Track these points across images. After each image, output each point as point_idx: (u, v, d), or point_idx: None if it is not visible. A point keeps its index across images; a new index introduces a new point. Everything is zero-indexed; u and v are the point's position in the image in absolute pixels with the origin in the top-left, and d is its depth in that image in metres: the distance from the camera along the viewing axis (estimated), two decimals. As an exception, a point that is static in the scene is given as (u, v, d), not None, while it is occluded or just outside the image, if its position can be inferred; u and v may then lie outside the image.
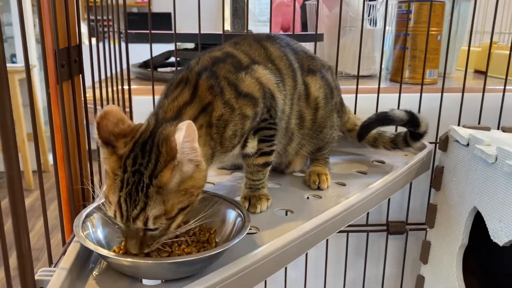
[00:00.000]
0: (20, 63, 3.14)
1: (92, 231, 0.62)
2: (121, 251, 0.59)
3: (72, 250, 0.57)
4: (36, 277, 0.53)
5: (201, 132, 0.63)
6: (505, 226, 0.78)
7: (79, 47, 0.74)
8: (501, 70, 1.32)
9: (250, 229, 0.65)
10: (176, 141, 0.53)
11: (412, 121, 0.94)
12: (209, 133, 0.65)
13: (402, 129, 1.02)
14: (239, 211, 0.65)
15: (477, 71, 1.63)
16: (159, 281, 0.56)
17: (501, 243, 0.80)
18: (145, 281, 0.56)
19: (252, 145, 0.73)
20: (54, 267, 0.60)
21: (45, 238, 0.61)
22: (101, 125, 0.56)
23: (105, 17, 0.92)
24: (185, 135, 0.53)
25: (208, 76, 0.67)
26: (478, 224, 0.89)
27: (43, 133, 3.27)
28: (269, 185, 0.82)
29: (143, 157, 0.56)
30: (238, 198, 0.77)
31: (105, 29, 0.95)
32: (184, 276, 0.56)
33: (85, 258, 0.60)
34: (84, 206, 0.76)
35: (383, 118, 0.96)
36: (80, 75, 0.75)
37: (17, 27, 3.20)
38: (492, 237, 0.82)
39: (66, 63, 0.68)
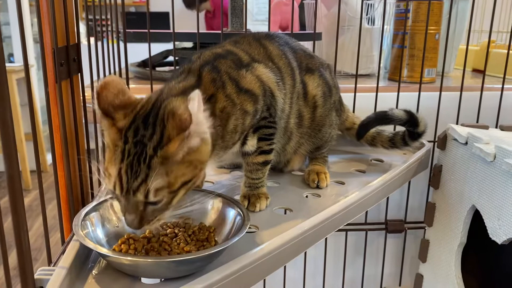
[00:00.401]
0: (18, 63, 3.13)
1: (92, 230, 0.62)
2: (122, 250, 0.59)
3: (72, 249, 0.57)
4: (36, 276, 0.53)
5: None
6: (503, 224, 0.79)
7: (77, 45, 0.74)
8: (499, 69, 1.32)
9: (249, 227, 0.65)
10: (191, 111, 0.52)
11: (411, 121, 0.94)
12: (212, 123, 0.64)
13: (400, 129, 1.02)
14: (239, 210, 0.65)
15: (475, 70, 1.63)
16: (158, 280, 0.56)
17: (499, 241, 0.80)
18: (144, 280, 0.56)
19: (251, 143, 0.73)
20: (54, 266, 0.60)
21: (43, 238, 0.61)
22: (101, 96, 0.55)
23: (103, 17, 0.92)
24: (198, 104, 0.52)
25: (210, 69, 0.68)
26: (477, 223, 0.89)
27: (41, 132, 3.26)
28: (268, 184, 0.82)
29: (146, 129, 0.55)
30: (237, 197, 0.77)
31: (103, 29, 0.95)
32: (184, 275, 0.56)
33: (85, 257, 0.60)
34: (83, 205, 0.76)
35: (382, 118, 0.96)
36: (79, 74, 0.75)
37: (14, 27, 3.19)
38: (490, 235, 0.82)
39: (64, 61, 0.68)
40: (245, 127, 0.70)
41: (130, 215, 0.55)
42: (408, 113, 0.94)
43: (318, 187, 0.84)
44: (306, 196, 0.82)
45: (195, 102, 0.52)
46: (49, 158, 3.33)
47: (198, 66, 0.68)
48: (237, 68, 0.70)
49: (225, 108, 0.66)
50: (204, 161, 0.58)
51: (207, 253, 0.54)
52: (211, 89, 0.66)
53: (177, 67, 0.76)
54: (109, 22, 0.98)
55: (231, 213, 0.66)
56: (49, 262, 0.62)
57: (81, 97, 0.76)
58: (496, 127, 1.07)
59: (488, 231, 0.83)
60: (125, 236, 0.62)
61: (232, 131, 0.68)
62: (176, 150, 0.53)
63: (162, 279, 0.56)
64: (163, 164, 0.53)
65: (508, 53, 1.12)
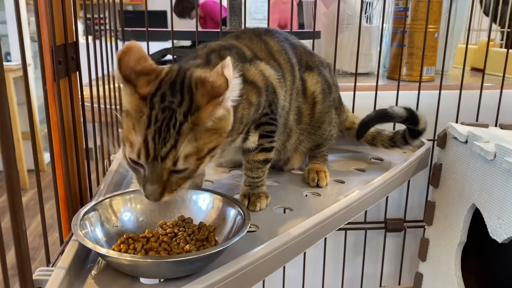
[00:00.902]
0: (15, 62, 3.12)
1: (91, 230, 0.61)
2: (122, 250, 0.58)
3: (70, 249, 0.56)
4: (34, 277, 0.53)
5: None
6: (504, 223, 0.78)
7: (76, 44, 0.73)
8: (498, 67, 1.32)
9: (249, 227, 0.64)
10: (228, 77, 0.51)
11: (411, 118, 0.94)
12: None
13: (400, 128, 1.01)
14: (239, 209, 0.64)
15: (474, 69, 1.63)
16: (158, 280, 0.56)
17: (500, 240, 0.80)
18: (144, 280, 0.56)
19: (253, 139, 0.73)
20: (52, 266, 0.59)
21: (40, 237, 0.61)
22: (122, 61, 0.53)
23: (101, 15, 0.91)
24: (233, 71, 0.51)
25: (217, 57, 0.67)
26: (477, 221, 0.89)
27: (39, 131, 3.25)
28: (268, 183, 0.82)
29: (173, 95, 0.53)
30: (237, 196, 0.76)
31: (101, 28, 0.94)
32: (184, 275, 0.56)
33: (84, 257, 0.59)
34: (82, 205, 0.75)
35: (382, 116, 0.95)
36: (77, 72, 0.74)
37: (11, 25, 3.18)
38: (491, 234, 0.82)
39: (63, 60, 0.67)
40: (249, 119, 0.70)
41: (153, 185, 0.53)
42: (408, 110, 0.94)
43: (318, 186, 0.84)
44: (306, 195, 0.81)
45: (230, 68, 0.51)
46: (46, 157, 3.32)
47: (205, 52, 0.68)
48: (241, 61, 0.70)
49: None
50: (227, 130, 0.57)
51: (207, 253, 0.54)
52: None
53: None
54: (106, 21, 0.97)
55: (232, 212, 0.65)
56: (48, 262, 0.61)
57: (80, 96, 0.76)
58: (496, 126, 1.07)
59: (488, 230, 0.82)
60: (125, 236, 0.62)
61: (239, 120, 0.67)
62: (207, 117, 0.52)
63: (162, 280, 0.56)
64: (192, 130, 0.52)
65: (507, 52, 1.12)
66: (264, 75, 0.72)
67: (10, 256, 0.51)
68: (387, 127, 1.02)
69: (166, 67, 0.57)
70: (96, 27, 0.89)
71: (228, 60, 0.52)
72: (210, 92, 0.52)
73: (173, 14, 1.01)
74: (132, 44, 0.54)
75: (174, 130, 0.52)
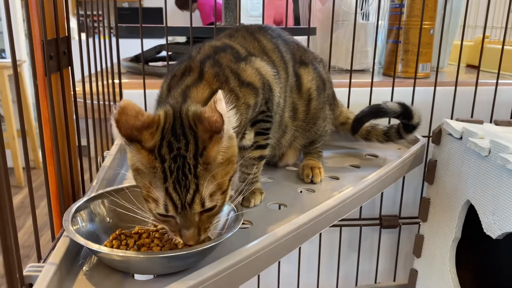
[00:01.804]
0: (9, 58, 3.10)
1: (82, 226, 0.60)
2: (114, 246, 0.58)
3: (62, 245, 0.56)
4: (25, 273, 0.52)
5: None
6: (498, 219, 0.78)
7: (68, 38, 0.72)
8: (493, 64, 1.32)
9: (243, 223, 0.64)
10: (221, 111, 0.51)
11: (405, 113, 0.94)
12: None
13: (395, 123, 1.01)
14: (232, 205, 0.64)
15: (469, 66, 1.63)
16: (151, 276, 0.56)
17: (494, 236, 0.80)
18: (137, 276, 0.55)
19: (249, 137, 0.73)
20: (43, 262, 0.59)
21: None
22: (120, 122, 0.52)
23: (95, 12, 0.91)
24: (225, 105, 0.52)
25: (212, 64, 0.67)
26: (471, 218, 0.89)
27: (33, 129, 3.24)
28: (262, 179, 0.81)
29: (179, 141, 0.53)
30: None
31: (95, 24, 0.93)
32: (176, 271, 0.55)
33: (75, 253, 0.58)
34: (74, 201, 0.75)
35: (376, 111, 0.95)
36: (69, 67, 0.74)
37: (4, 22, 3.15)
38: (485, 230, 0.82)
39: (54, 54, 0.66)
40: (247, 121, 0.70)
41: (189, 230, 0.54)
42: (402, 105, 0.93)
43: (312, 182, 0.84)
44: (300, 191, 0.81)
45: (223, 102, 0.51)
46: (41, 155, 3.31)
47: (198, 62, 0.67)
48: (237, 61, 0.70)
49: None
50: (235, 154, 0.58)
51: (199, 249, 0.53)
52: (215, 84, 0.65)
53: (176, 63, 0.74)
54: (101, 18, 0.97)
55: (225, 208, 0.65)
56: (39, 258, 0.60)
57: (72, 92, 0.75)
58: (491, 122, 1.07)
59: (483, 226, 0.82)
60: (117, 232, 0.61)
61: (238, 126, 0.67)
62: (215, 154, 0.53)
63: (155, 275, 0.55)
64: (207, 170, 0.53)
65: (502, 48, 1.12)
66: (260, 73, 0.71)
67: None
68: (381, 122, 1.02)
69: (161, 112, 0.56)
70: (90, 24, 0.88)
71: (220, 94, 0.52)
72: (209, 129, 0.53)
73: (169, 11, 1.00)
74: (125, 102, 0.54)
75: (191, 175, 0.52)
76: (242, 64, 0.70)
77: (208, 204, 0.54)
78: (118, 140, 0.54)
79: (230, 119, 0.54)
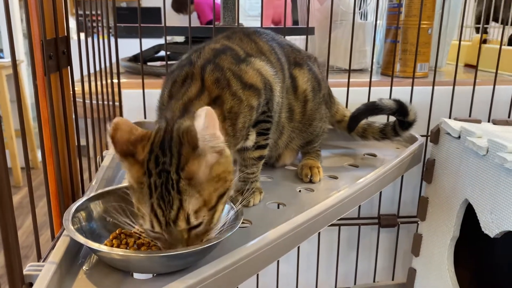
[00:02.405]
0: (7, 58, 3.10)
1: (82, 225, 0.61)
2: (114, 245, 0.58)
3: (62, 245, 0.56)
4: (25, 272, 0.52)
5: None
6: (496, 218, 0.79)
7: (67, 38, 0.73)
8: (491, 64, 1.33)
9: (242, 222, 0.64)
10: (196, 129, 0.51)
11: (400, 110, 0.94)
12: (224, 127, 0.63)
13: (391, 120, 1.01)
14: (232, 205, 0.64)
15: (467, 65, 1.63)
16: (150, 275, 0.56)
17: (492, 235, 0.80)
18: (136, 275, 0.56)
19: (252, 138, 0.73)
20: (43, 261, 0.59)
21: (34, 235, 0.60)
22: (115, 138, 0.52)
23: (93, 12, 0.91)
24: (204, 122, 0.50)
25: (213, 68, 0.66)
26: (469, 216, 0.89)
27: (32, 129, 3.23)
28: (261, 179, 0.82)
29: (165, 155, 0.53)
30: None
31: (94, 24, 0.93)
32: (176, 270, 0.55)
33: (75, 252, 0.59)
34: (74, 201, 0.75)
35: (372, 108, 0.95)
36: (69, 67, 0.74)
37: (3, 22, 3.15)
38: (483, 229, 0.82)
39: (53, 54, 0.67)
40: (251, 123, 0.70)
41: (178, 247, 0.53)
42: (397, 102, 0.93)
43: (311, 181, 0.84)
44: (299, 191, 0.81)
45: (201, 120, 0.51)
46: (39, 155, 3.30)
47: (199, 68, 0.67)
48: (237, 63, 0.69)
49: (232, 108, 0.65)
50: (230, 171, 0.57)
51: (199, 248, 0.53)
52: (216, 90, 0.64)
53: (176, 65, 0.74)
54: (99, 18, 0.97)
55: (225, 207, 0.65)
56: (39, 257, 0.60)
57: (71, 91, 0.75)
58: (489, 121, 1.07)
59: (481, 225, 0.83)
60: (117, 231, 0.61)
61: (241, 129, 0.67)
62: (197, 169, 0.52)
63: (154, 274, 0.56)
64: (191, 185, 0.52)
65: (500, 48, 1.12)
66: (261, 74, 0.71)
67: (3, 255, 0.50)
68: (377, 119, 1.02)
69: (156, 127, 0.57)
70: (89, 24, 0.88)
71: (201, 111, 0.51)
72: (190, 142, 0.52)
73: (167, 10, 1.00)
74: (118, 119, 0.54)
75: (173, 191, 0.51)
76: (243, 66, 0.70)
77: (193, 221, 0.52)
78: (115, 155, 0.54)
79: (207, 138, 0.52)
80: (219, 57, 0.69)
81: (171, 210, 0.51)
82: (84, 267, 0.57)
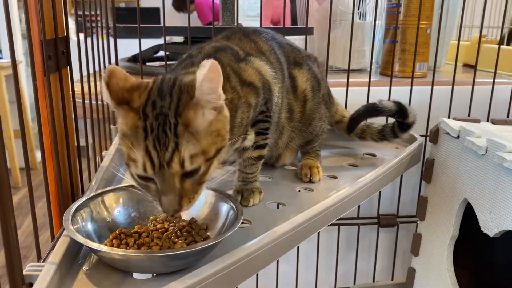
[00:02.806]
0: (6, 59, 3.09)
1: (82, 225, 0.61)
2: (114, 245, 0.58)
3: (61, 245, 0.56)
4: (25, 272, 0.52)
5: None
6: (495, 217, 0.79)
7: (66, 38, 0.73)
8: (490, 63, 1.33)
9: (242, 222, 0.64)
10: (197, 77, 0.50)
11: (400, 112, 0.94)
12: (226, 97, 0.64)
13: (389, 122, 1.02)
14: (232, 204, 0.64)
15: (466, 65, 1.64)
16: (150, 275, 0.56)
17: (491, 234, 0.80)
18: (136, 275, 0.56)
19: (250, 138, 0.73)
20: (43, 262, 0.59)
21: (33, 235, 0.60)
22: (110, 84, 0.52)
23: (92, 12, 0.91)
24: (206, 72, 0.50)
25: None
26: (468, 216, 0.90)
27: (30, 129, 3.23)
28: (261, 179, 0.81)
29: (163, 100, 0.52)
30: (230, 192, 0.76)
31: (93, 24, 0.93)
32: (176, 270, 0.55)
33: (75, 252, 0.59)
34: (73, 201, 0.75)
35: (372, 110, 0.95)
36: (68, 67, 0.74)
37: (1, 23, 3.14)
38: (482, 228, 0.82)
39: (53, 54, 0.67)
40: (249, 121, 0.70)
41: (169, 195, 0.52)
42: (397, 104, 0.94)
43: (310, 181, 0.84)
44: (299, 191, 0.81)
45: (204, 69, 0.50)
46: (38, 155, 3.30)
47: (200, 59, 0.67)
48: (237, 61, 0.70)
49: (233, 100, 0.65)
50: (227, 130, 0.57)
51: (199, 248, 0.54)
52: None
53: (176, 62, 0.74)
54: (98, 18, 0.97)
55: (224, 207, 0.65)
56: (39, 258, 0.60)
57: (71, 91, 0.75)
58: (487, 121, 1.08)
59: (480, 224, 0.83)
60: (117, 231, 0.61)
61: (239, 124, 0.67)
62: (193, 117, 0.51)
63: (154, 274, 0.56)
64: (188, 130, 0.51)
65: (499, 48, 1.13)
66: (260, 73, 0.71)
67: (3, 255, 0.50)
68: (376, 121, 1.02)
69: (153, 78, 0.57)
70: (88, 24, 0.88)
71: (207, 61, 0.51)
72: (189, 91, 0.52)
73: (167, 10, 1.00)
74: (112, 66, 0.54)
75: (171, 133, 0.51)
76: (243, 64, 0.70)
77: (188, 166, 0.51)
78: (109, 102, 0.53)
79: (205, 91, 0.52)
80: (219, 53, 0.70)
81: (166, 151, 0.51)
82: (84, 267, 0.57)
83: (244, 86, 0.68)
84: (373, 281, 1.30)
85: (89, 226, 0.62)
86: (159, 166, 0.51)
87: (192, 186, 0.53)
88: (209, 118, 0.54)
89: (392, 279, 1.31)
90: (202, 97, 0.52)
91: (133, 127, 0.52)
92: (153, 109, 0.52)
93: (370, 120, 1.01)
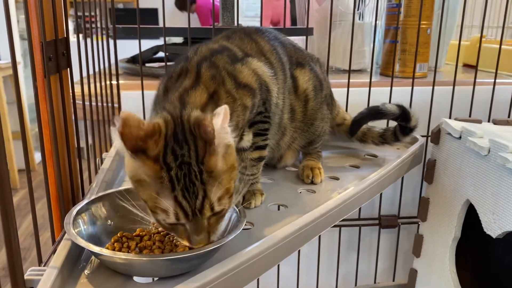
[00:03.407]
0: (4, 60, 3.08)
1: (84, 229, 0.60)
2: (116, 248, 0.58)
3: (63, 248, 0.55)
4: (26, 277, 0.52)
5: None
6: (498, 218, 0.79)
7: (66, 40, 0.72)
8: (490, 63, 1.33)
9: (244, 224, 0.64)
10: (215, 127, 0.51)
11: (403, 116, 0.94)
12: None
13: (391, 125, 1.01)
14: (234, 207, 0.64)
15: (465, 65, 1.63)
16: (150, 279, 0.55)
17: (494, 235, 0.80)
18: (137, 279, 0.55)
19: (247, 139, 0.72)
20: (44, 266, 0.58)
21: (32, 237, 0.60)
22: (125, 134, 0.51)
23: (91, 13, 0.90)
24: (222, 120, 0.52)
25: (209, 65, 0.66)
26: (470, 217, 0.89)
27: (29, 131, 3.22)
28: (262, 180, 0.81)
29: (182, 148, 0.53)
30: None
31: (92, 25, 0.93)
32: (179, 273, 0.55)
33: (76, 256, 0.58)
34: (74, 204, 0.74)
35: (375, 113, 0.95)
36: (68, 68, 0.73)
37: (2, 24, 3.13)
38: (485, 230, 0.82)
39: (53, 56, 0.66)
40: (245, 123, 0.69)
41: (200, 235, 0.54)
42: (400, 107, 0.93)
43: (312, 182, 0.84)
44: (300, 192, 0.81)
45: (220, 118, 0.52)
46: (37, 156, 3.29)
47: (195, 64, 0.67)
48: (233, 63, 0.69)
49: (227, 104, 0.65)
50: (236, 159, 0.58)
51: (203, 251, 0.53)
52: (213, 86, 0.64)
53: (171, 64, 0.74)
54: (97, 19, 0.96)
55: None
56: (40, 262, 0.60)
57: (71, 93, 0.74)
58: (488, 121, 1.07)
59: (483, 225, 0.82)
60: (118, 234, 0.61)
61: (235, 128, 0.67)
62: (215, 163, 0.53)
63: (156, 278, 0.55)
64: (211, 176, 0.53)
65: (500, 47, 1.12)
66: (257, 74, 0.71)
67: (1, 256, 0.50)
68: (377, 124, 1.02)
69: (160, 120, 0.56)
70: (87, 26, 0.87)
71: (221, 109, 0.52)
72: (204, 138, 0.53)
73: (166, 11, 1.00)
74: (126, 113, 0.53)
75: (198, 181, 0.52)
76: (238, 66, 0.69)
77: (217, 208, 0.54)
78: (117, 143, 0.52)
79: (222, 136, 0.53)
80: (215, 56, 0.69)
81: (197, 200, 0.52)
82: (85, 270, 0.56)
83: (239, 88, 0.67)
84: (375, 282, 1.29)
85: (91, 229, 0.61)
86: (192, 214, 0.53)
87: (217, 221, 0.56)
88: (223, 153, 0.55)
89: (393, 280, 1.31)
90: (220, 142, 0.53)
91: (155, 177, 0.52)
92: (174, 159, 0.52)
93: (371, 124, 1.00)
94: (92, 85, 0.88)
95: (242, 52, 0.74)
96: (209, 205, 0.53)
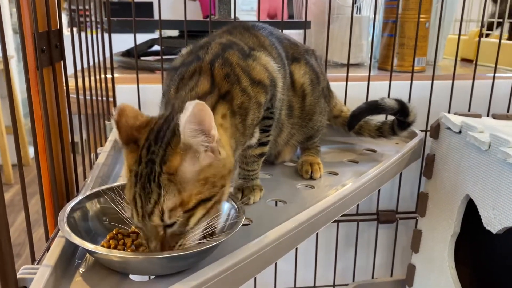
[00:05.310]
0: (-3, 54, 3.04)
1: (78, 225, 0.58)
2: (111, 246, 0.56)
3: (57, 246, 0.54)
4: (18, 276, 0.50)
5: (227, 122, 0.60)
6: (498, 214, 0.78)
7: (59, 31, 0.70)
8: (488, 58, 1.32)
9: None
10: (180, 121, 0.48)
11: (402, 110, 0.93)
12: (234, 123, 0.61)
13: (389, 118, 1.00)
14: (233, 203, 0.62)
15: (463, 59, 1.62)
16: (146, 277, 0.54)
17: (494, 231, 0.79)
18: (133, 277, 0.54)
19: (257, 136, 0.71)
20: (37, 264, 0.57)
21: (25, 233, 0.58)
22: (120, 123, 0.50)
23: (85, 6, 0.88)
24: (189, 115, 0.47)
25: (222, 63, 0.64)
26: (470, 212, 0.88)
27: (23, 125, 3.19)
28: (260, 175, 0.80)
29: (156, 144, 0.51)
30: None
31: (87, 19, 0.91)
32: (176, 271, 0.54)
33: (71, 253, 0.56)
34: (68, 200, 0.73)
35: (374, 107, 0.94)
36: (62, 61, 0.71)
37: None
38: (485, 225, 0.81)
39: (46, 47, 0.64)
40: (259, 120, 0.68)
41: (151, 242, 0.51)
42: (399, 102, 0.93)
43: (311, 178, 0.83)
44: (299, 188, 0.80)
45: (187, 112, 0.48)
46: (31, 151, 3.26)
47: (207, 63, 0.64)
48: (244, 59, 0.67)
49: (242, 104, 0.63)
50: (223, 176, 0.53)
51: (200, 249, 0.52)
52: (226, 86, 0.62)
53: (178, 63, 0.71)
54: (91, 12, 0.94)
55: (225, 206, 0.63)
56: (33, 260, 0.58)
57: (65, 86, 0.73)
58: (487, 116, 1.06)
59: (483, 221, 0.82)
60: (114, 231, 0.60)
61: (250, 126, 0.65)
62: (178, 164, 0.49)
63: (153, 276, 0.54)
64: (171, 180, 0.49)
65: (499, 42, 1.11)
66: (267, 70, 0.69)
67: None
68: (375, 117, 1.01)
69: (160, 113, 0.55)
70: (81, 19, 0.86)
71: (189, 104, 0.48)
72: (176, 136, 0.50)
73: (161, 4, 0.98)
74: (124, 104, 0.52)
75: (154, 183, 0.49)
76: (250, 61, 0.68)
77: (167, 219, 0.50)
78: (114, 131, 0.52)
79: (187, 132, 0.49)
80: (227, 51, 0.67)
81: (148, 203, 0.50)
82: (80, 269, 0.55)
83: (254, 85, 0.65)
84: (372, 277, 1.29)
85: (85, 226, 0.60)
86: (142, 216, 0.50)
87: (173, 236, 0.51)
88: (204, 163, 0.51)
89: (391, 276, 1.30)
90: (188, 141, 0.49)
91: (130, 168, 0.52)
92: (146, 154, 0.51)
93: (368, 117, 0.99)
94: (86, 79, 0.86)
95: (247, 47, 0.72)
96: (158, 212, 0.49)
